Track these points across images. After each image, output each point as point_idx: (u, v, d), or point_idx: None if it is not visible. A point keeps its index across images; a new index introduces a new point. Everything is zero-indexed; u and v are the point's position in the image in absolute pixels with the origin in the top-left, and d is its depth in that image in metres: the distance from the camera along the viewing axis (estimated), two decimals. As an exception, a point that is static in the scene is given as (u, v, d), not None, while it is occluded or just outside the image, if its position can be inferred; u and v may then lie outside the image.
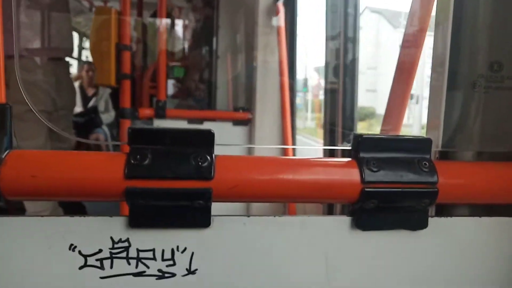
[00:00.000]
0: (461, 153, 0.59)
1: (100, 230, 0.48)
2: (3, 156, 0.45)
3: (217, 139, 0.49)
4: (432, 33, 0.63)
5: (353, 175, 0.49)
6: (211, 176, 0.47)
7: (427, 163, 0.50)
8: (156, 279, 0.49)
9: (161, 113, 2.08)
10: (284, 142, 2.08)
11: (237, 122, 2.24)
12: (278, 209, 1.99)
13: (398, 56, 0.99)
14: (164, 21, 2.24)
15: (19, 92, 0.56)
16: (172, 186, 0.46)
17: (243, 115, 2.23)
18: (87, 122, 3.47)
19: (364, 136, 0.50)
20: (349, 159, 0.51)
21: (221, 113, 2.46)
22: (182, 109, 2.51)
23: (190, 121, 2.16)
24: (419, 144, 0.51)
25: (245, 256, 0.51)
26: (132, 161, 0.46)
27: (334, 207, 1.33)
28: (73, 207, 2.21)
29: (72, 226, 0.48)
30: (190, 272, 0.50)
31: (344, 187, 0.49)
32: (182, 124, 2.15)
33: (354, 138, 0.51)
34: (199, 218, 0.48)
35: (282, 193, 0.49)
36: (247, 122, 2.24)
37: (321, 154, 1.75)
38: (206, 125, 2.18)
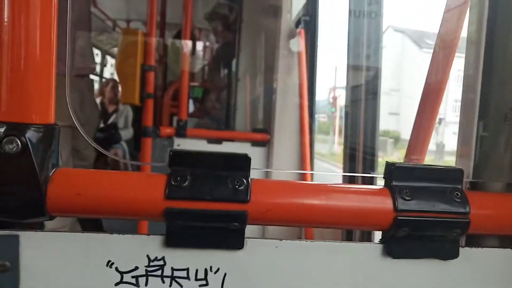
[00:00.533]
0: (490, 183, 0.60)
1: (137, 248, 0.49)
2: (51, 174, 0.48)
3: None
4: (462, 55, 0.64)
5: (386, 203, 0.49)
6: (247, 199, 0.48)
7: (459, 193, 0.50)
8: None
9: (182, 132, 2.11)
10: (302, 162, 2.09)
11: (255, 143, 2.26)
12: (293, 233, 1.98)
13: (425, 78, 0.99)
14: (188, 43, 2.30)
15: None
16: (209, 208, 0.47)
17: (262, 136, 2.26)
18: (107, 138, 3.54)
19: (397, 165, 0.51)
20: (381, 186, 0.52)
21: (240, 133, 2.49)
22: (203, 129, 2.55)
23: (210, 141, 2.18)
24: (451, 174, 0.52)
25: (276, 279, 0.51)
26: (173, 183, 0.47)
27: (353, 233, 1.32)
28: (91, 224, 2.23)
29: (110, 243, 0.49)
30: None
31: (377, 214, 0.49)
32: (202, 144, 2.18)
33: (387, 167, 0.52)
34: (233, 240, 0.50)
35: (315, 218, 0.50)
36: (265, 143, 2.26)
37: (341, 179, 1.75)
38: (225, 145, 2.21)
